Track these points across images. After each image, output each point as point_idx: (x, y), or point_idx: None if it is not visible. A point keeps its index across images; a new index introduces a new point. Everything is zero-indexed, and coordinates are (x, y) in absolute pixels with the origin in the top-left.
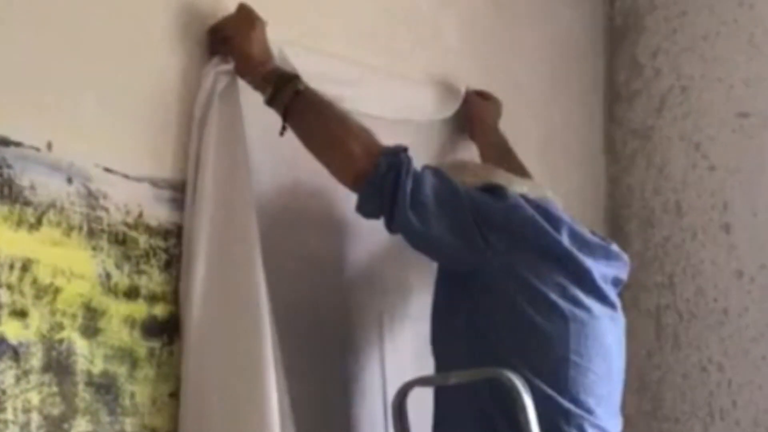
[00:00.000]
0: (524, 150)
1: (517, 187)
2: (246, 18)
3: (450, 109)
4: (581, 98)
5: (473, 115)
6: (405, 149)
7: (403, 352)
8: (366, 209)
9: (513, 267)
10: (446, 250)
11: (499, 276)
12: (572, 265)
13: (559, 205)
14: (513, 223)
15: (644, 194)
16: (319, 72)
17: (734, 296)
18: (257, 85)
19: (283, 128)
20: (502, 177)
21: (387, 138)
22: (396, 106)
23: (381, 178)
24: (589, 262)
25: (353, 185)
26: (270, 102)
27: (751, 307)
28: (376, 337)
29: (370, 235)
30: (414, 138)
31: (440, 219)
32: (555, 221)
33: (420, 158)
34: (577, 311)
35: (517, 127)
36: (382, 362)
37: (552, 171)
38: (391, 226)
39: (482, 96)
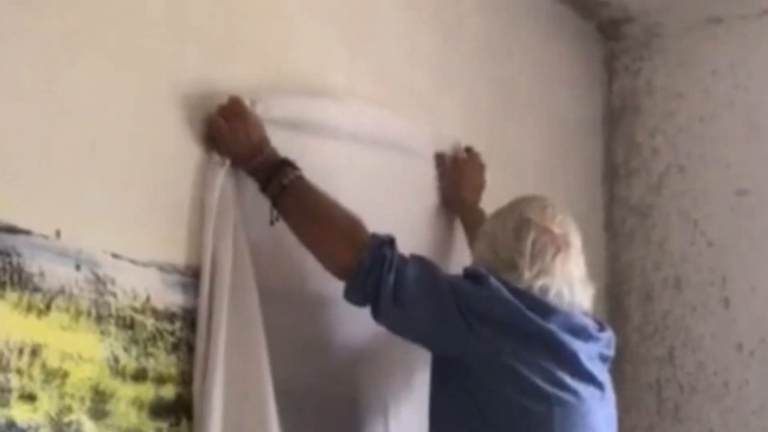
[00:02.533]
0: None
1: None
2: (236, 111)
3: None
4: (580, 177)
5: (452, 196)
6: (391, 240)
7: None
8: (352, 300)
9: (497, 353)
10: (430, 339)
11: (485, 362)
12: (557, 348)
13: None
14: (495, 310)
15: (644, 270)
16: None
17: (734, 369)
18: (250, 175)
19: (275, 218)
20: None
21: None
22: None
23: (365, 273)
24: (575, 344)
25: (339, 277)
26: (262, 191)
27: (752, 380)
28: (382, 423)
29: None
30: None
31: (423, 311)
32: (541, 307)
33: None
34: (563, 395)
35: None
36: None
37: None
38: (375, 318)
39: (464, 163)
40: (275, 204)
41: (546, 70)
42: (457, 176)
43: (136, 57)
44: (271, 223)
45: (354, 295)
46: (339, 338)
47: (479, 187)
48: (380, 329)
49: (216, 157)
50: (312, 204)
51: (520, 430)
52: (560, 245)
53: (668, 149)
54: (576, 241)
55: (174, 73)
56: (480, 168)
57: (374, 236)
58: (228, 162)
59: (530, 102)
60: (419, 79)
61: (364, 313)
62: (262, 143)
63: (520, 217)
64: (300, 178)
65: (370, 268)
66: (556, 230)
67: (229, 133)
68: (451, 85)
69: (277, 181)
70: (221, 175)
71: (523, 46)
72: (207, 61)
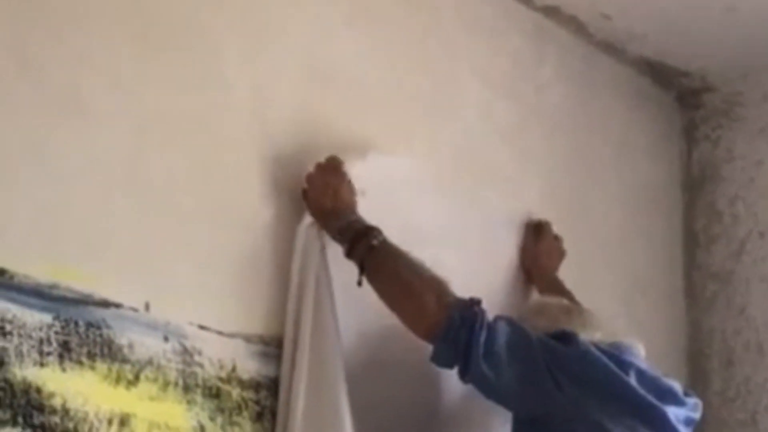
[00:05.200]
0: (607, 295)
1: (590, 333)
2: (332, 167)
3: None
4: (661, 244)
5: (530, 266)
6: (479, 302)
7: None
8: (440, 360)
9: (584, 410)
10: (518, 397)
11: (570, 420)
12: (645, 408)
13: (640, 349)
14: (585, 368)
15: (725, 335)
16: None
17: None
18: (334, 238)
19: (360, 281)
20: (577, 322)
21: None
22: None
23: (455, 332)
24: (664, 407)
25: (426, 337)
26: (348, 255)
27: None
28: None
29: (455, 381)
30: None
31: (513, 368)
32: (624, 366)
33: None
34: None
35: (600, 273)
36: None
37: (634, 315)
38: (464, 377)
39: (542, 235)
40: (362, 266)
41: (625, 139)
42: (537, 244)
43: (222, 139)
44: (359, 283)
45: (443, 355)
46: (421, 402)
47: (559, 255)
48: (461, 393)
49: (306, 219)
50: (400, 265)
51: None
52: None
53: (749, 216)
54: None
55: (259, 153)
56: (557, 238)
57: (462, 298)
58: (310, 219)
59: (610, 171)
60: (499, 151)
61: (447, 378)
62: (351, 206)
63: None
64: (387, 242)
65: (461, 327)
66: None
67: (320, 186)
68: (531, 156)
69: (366, 243)
70: (303, 241)
71: (603, 116)
72: (290, 141)
